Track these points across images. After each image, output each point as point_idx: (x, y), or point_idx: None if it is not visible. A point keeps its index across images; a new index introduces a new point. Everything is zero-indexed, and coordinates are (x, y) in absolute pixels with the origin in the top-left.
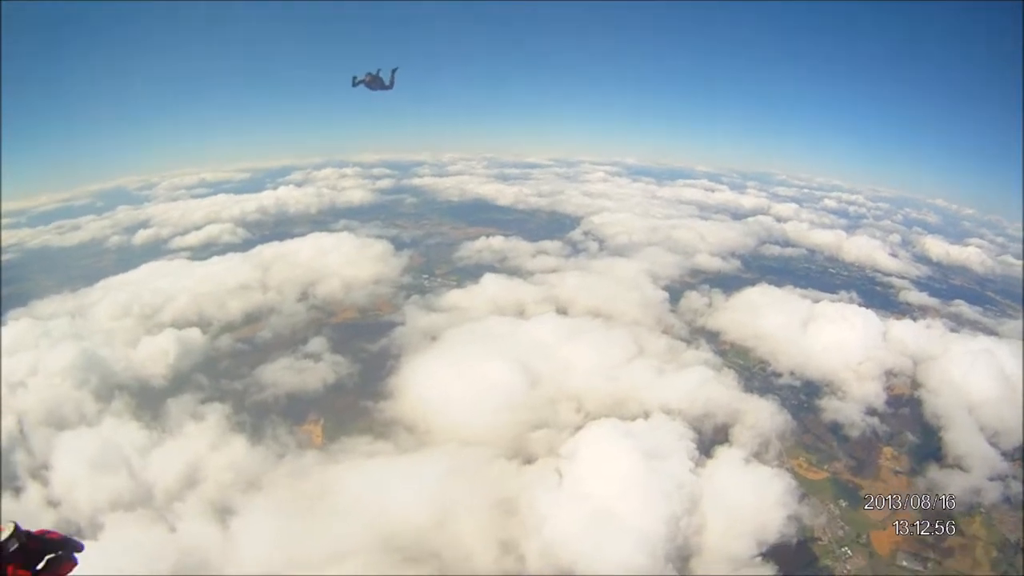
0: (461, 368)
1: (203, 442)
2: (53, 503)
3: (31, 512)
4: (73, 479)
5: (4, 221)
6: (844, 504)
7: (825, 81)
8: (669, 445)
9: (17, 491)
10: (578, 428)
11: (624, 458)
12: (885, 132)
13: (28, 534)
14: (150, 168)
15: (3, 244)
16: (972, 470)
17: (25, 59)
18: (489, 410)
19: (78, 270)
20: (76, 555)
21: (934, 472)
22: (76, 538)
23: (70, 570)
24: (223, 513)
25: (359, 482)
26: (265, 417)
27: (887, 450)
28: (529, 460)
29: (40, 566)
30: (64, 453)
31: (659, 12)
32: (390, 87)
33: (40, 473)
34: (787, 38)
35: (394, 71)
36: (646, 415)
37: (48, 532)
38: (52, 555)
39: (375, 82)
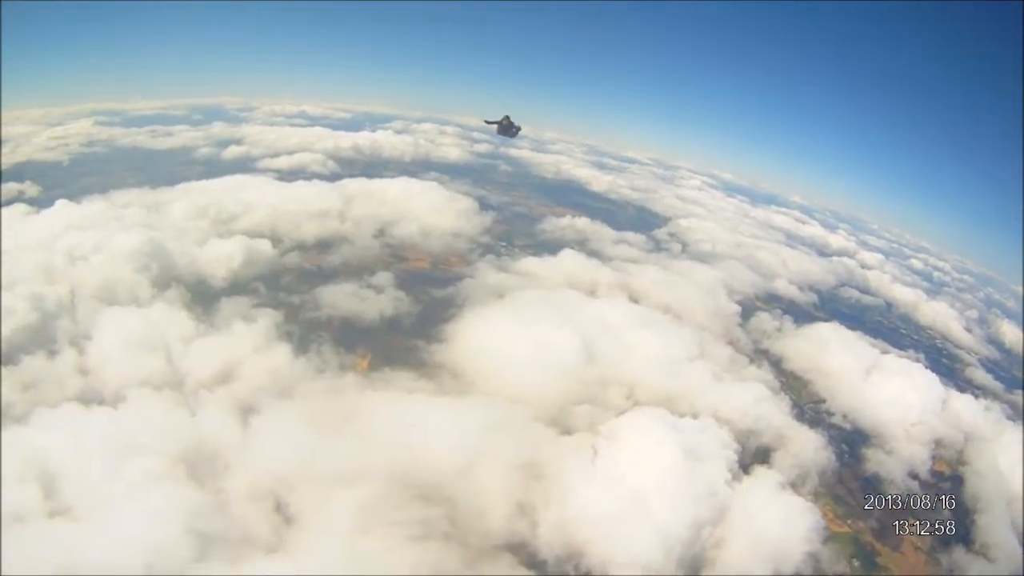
0: (521, 328)
1: (247, 343)
2: (83, 371)
3: (60, 377)
4: (109, 352)
5: (99, 119)
6: (857, 564)
7: (931, 141)
8: (711, 450)
9: (51, 354)
10: (623, 412)
11: (664, 450)
12: (980, 208)
13: None
14: (253, 93)
15: (95, 138)
16: (997, 561)
17: None
18: (539, 374)
19: (163, 172)
20: None
21: (959, 554)
22: None
23: None
24: (248, 412)
25: (392, 413)
26: (314, 333)
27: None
28: (567, 431)
29: None
30: (107, 326)
31: (787, 42)
32: (513, 136)
33: (79, 342)
34: (906, 104)
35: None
36: (695, 416)
37: None
38: None
39: (508, 127)
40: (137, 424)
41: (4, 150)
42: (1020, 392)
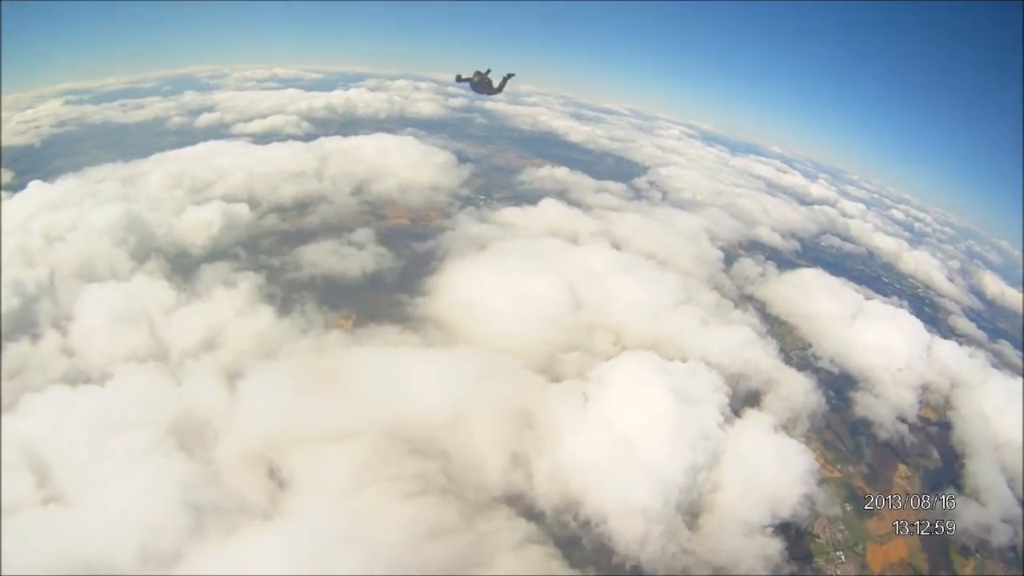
0: (505, 278)
1: (230, 308)
2: (68, 352)
3: (44, 361)
4: (92, 330)
5: (69, 99)
6: (849, 509)
7: (912, 95)
8: (702, 393)
9: (34, 338)
10: (611, 358)
11: (655, 394)
12: (962, 161)
13: None
14: (222, 60)
15: (65, 118)
16: (988, 505)
17: None
18: (525, 323)
19: (136, 145)
20: None
21: (950, 497)
22: None
23: None
24: (234, 377)
25: (379, 367)
26: (297, 293)
27: (902, 467)
28: (556, 379)
29: None
30: (88, 304)
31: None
32: (498, 91)
33: (61, 323)
34: (887, 45)
35: (507, 77)
36: (683, 360)
37: None
38: None
39: (482, 83)
40: (124, 400)
41: None
42: (1004, 342)
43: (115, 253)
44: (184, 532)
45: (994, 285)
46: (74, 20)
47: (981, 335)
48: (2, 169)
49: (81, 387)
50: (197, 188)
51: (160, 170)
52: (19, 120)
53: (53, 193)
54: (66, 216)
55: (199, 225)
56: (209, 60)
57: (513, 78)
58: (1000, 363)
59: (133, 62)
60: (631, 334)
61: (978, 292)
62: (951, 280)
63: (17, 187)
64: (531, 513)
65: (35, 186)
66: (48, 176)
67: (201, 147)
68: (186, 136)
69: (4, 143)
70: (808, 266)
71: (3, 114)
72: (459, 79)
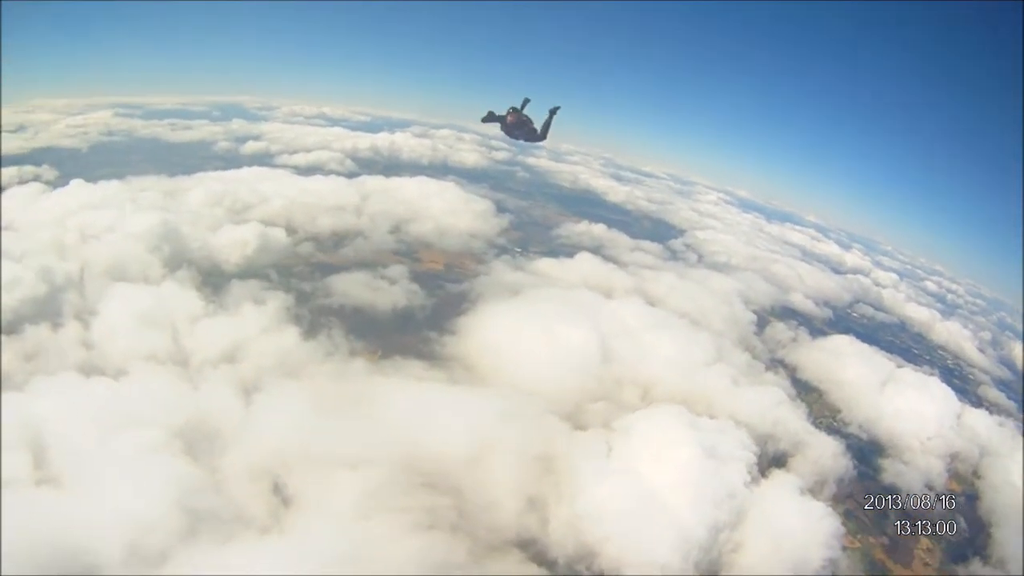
0: (536, 324)
1: (255, 324)
2: (87, 345)
3: (62, 348)
4: (115, 327)
5: (119, 111)
6: None
7: (946, 168)
8: (730, 451)
9: (55, 326)
10: (638, 411)
11: (682, 448)
12: (995, 234)
13: None
14: (273, 94)
15: (114, 129)
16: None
17: None
18: (553, 370)
19: (181, 163)
20: None
21: (976, 567)
22: None
23: None
24: (251, 391)
25: (400, 398)
26: (324, 318)
27: (924, 540)
28: (581, 427)
29: None
30: (114, 302)
31: (798, 70)
32: (541, 136)
33: (84, 316)
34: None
35: (552, 112)
36: (712, 417)
37: None
38: None
39: (519, 125)
40: (136, 397)
41: (25, 135)
42: None
43: (148, 259)
44: (175, 534)
45: None
46: (131, 32)
47: (1011, 405)
48: (44, 167)
49: (95, 377)
50: (237, 209)
51: (202, 187)
52: (69, 124)
53: (95, 194)
54: (105, 217)
55: (235, 243)
56: (259, 92)
57: (558, 112)
58: None
59: (184, 84)
60: (660, 389)
61: (1008, 363)
62: (982, 351)
63: (59, 185)
64: (543, 559)
65: (77, 184)
66: (91, 179)
67: (245, 171)
68: (231, 161)
69: (52, 143)
70: (840, 333)
71: (54, 116)
72: (490, 117)
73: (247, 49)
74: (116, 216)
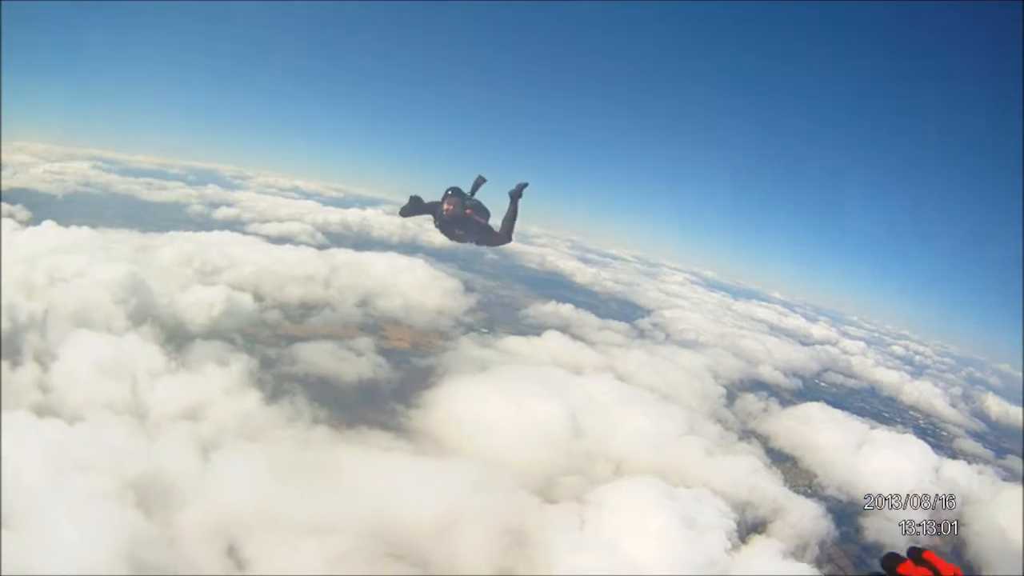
0: (504, 399)
1: (217, 385)
2: (44, 388)
3: (18, 388)
4: (74, 372)
5: (97, 164)
6: None
7: (907, 241)
8: (708, 519)
9: (14, 365)
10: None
11: (659, 518)
12: (958, 296)
13: None
14: (248, 164)
15: (91, 180)
16: None
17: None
18: (523, 444)
19: (154, 221)
20: None
21: None
22: None
23: None
24: (209, 450)
25: (365, 467)
26: (288, 384)
27: None
28: (552, 501)
29: None
30: (76, 347)
31: (750, 145)
32: (504, 237)
33: (44, 359)
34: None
35: (518, 195)
36: (687, 487)
37: None
38: None
39: (459, 219)
40: (91, 443)
41: (4, 173)
42: (1013, 456)
43: (113, 309)
44: None
45: (997, 406)
46: (115, 88)
47: (988, 453)
48: (17, 206)
49: (49, 419)
50: (206, 271)
51: (174, 245)
52: (47, 169)
53: (67, 238)
54: (75, 261)
55: (202, 304)
56: (234, 161)
57: (525, 190)
58: (1011, 476)
59: (162, 145)
60: (633, 462)
61: (981, 415)
62: (954, 406)
63: (31, 225)
64: None
65: (49, 225)
66: (64, 225)
67: (217, 234)
68: (203, 224)
69: (28, 185)
70: (810, 401)
71: (33, 159)
72: (414, 207)
73: (227, 116)
74: (86, 262)
